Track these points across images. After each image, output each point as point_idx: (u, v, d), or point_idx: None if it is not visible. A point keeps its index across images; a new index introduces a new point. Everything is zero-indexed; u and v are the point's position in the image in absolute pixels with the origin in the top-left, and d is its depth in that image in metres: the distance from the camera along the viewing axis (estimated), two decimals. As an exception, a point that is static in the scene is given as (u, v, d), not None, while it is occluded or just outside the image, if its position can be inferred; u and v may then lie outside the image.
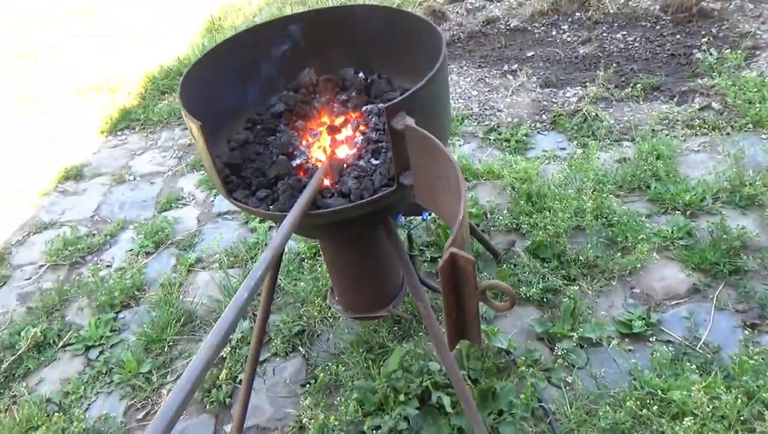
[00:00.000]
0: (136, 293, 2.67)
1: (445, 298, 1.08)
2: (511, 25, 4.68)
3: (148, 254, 2.91)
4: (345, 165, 1.65)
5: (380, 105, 1.77)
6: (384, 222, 1.69)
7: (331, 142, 1.74)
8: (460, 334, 1.15)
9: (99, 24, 5.81)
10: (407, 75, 1.92)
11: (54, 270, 2.94)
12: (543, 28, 4.57)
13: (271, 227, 2.89)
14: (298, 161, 1.69)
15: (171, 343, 2.39)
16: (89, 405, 2.22)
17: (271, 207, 1.57)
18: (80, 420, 2.08)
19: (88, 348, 2.46)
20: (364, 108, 1.79)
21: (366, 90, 1.88)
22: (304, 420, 1.94)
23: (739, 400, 1.74)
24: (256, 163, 1.69)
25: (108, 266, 2.90)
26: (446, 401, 1.84)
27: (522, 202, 2.66)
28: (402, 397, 1.89)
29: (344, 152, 1.71)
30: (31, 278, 2.91)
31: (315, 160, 1.70)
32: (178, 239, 2.98)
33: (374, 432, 1.84)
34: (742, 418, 1.71)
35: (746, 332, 2.07)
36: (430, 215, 2.26)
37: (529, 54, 4.25)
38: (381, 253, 1.92)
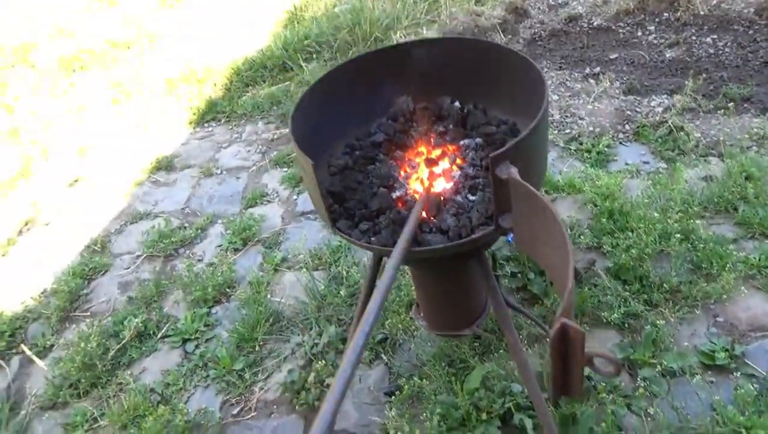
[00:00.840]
0: (227, 290, 2.83)
1: (553, 363, 1.15)
2: (595, 24, 4.59)
3: (236, 250, 3.08)
4: (443, 200, 1.72)
5: (477, 140, 1.83)
6: (478, 255, 1.76)
7: (428, 174, 1.81)
8: (564, 391, 1.22)
9: (186, 16, 6.00)
10: (502, 105, 1.96)
11: (150, 261, 3.14)
12: (628, 28, 4.48)
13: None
14: (397, 193, 1.77)
15: (261, 342, 2.54)
16: (189, 397, 2.40)
17: (373, 239, 1.66)
18: (183, 413, 2.25)
19: (185, 341, 2.64)
20: (461, 142, 1.85)
21: (462, 121, 1.93)
22: (390, 430, 2.05)
23: (826, 446, 1.75)
24: (357, 194, 1.78)
25: (200, 260, 3.08)
26: (528, 423, 1.92)
27: (604, 220, 2.68)
28: (484, 416, 1.97)
29: (442, 186, 1.77)
30: (129, 267, 3.12)
31: (413, 192, 1.78)
32: (264, 237, 3.12)
33: (457, 448, 1.93)
34: (828, 465, 1.72)
35: (835, 371, 2.06)
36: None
37: (613, 56, 4.18)
38: (469, 278, 1.99)
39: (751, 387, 2.00)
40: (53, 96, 4.90)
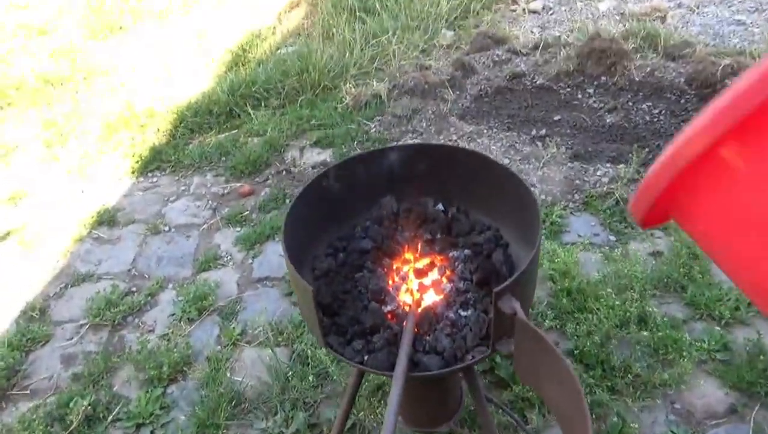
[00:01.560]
0: (183, 368, 2.71)
1: None
2: (537, 83, 4.76)
3: (190, 321, 2.96)
4: (435, 315, 1.72)
5: (466, 252, 1.85)
6: (468, 371, 1.77)
7: (418, 286, 1.81)
8: None
9: (121, 50, 5.76)
10: (482, 207, 2.00)
11: (96, 331, 2.97)
12: (568, 89, 4.67)
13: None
14: (389, 307, 1.75)
15: (223, 429, 2.44)
16: (146, 493, 2.28)
17: (367, 358, 1.64)
18: None
19: (138, 426, 2.50)
20: (450, 253, 1.86)
21: (447, 227, 1.95)
22: None
23: None
24: (347, 307, 1.75)
25: (151, 330, 2.94)
26: None
27: (564, 300, 2.76)
28: None
29: (432, 299, 1.78)
30: (72, 338, 2.94)
31: (404, 304, 1.77)
32: (220, 306, 3.02)
33: None
34: None
35: (782, 459, 2.20)
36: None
37: (556, 117, 4.34)
38: (448, 383, 2.00)
39: (712, 480, 2.10)
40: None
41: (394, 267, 1.87)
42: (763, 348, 2.50)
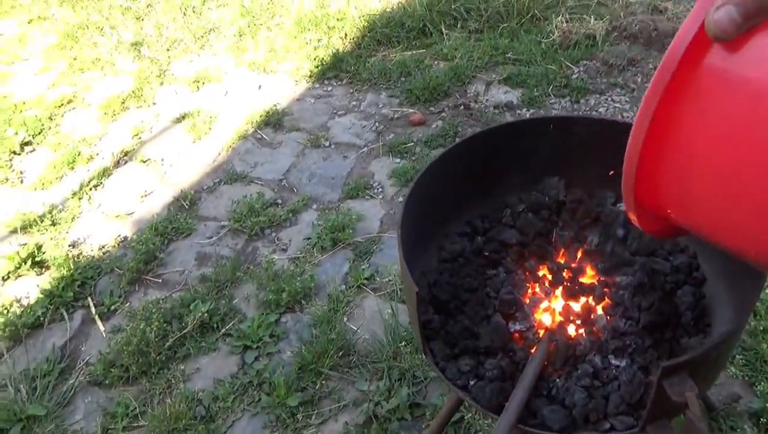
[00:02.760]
0: (302, 300, 2.56)
1: None
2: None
3: (323, 249, 2.78)
4: (574, 353, 1.31)
5: (641, 279, 1.38)
6: None
7: (563, 309, 1.39)
8: None
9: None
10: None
11: (234, 236, 2.91)
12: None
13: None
14: (518, 326, 1.37)
15: (324, 377, 2.27)
16: (233, 422, 2.19)
17: (471, 384, 1.30)
18: (218, 449, 2.04)
19: (246, 348, 2.41)
20: (618, 276, 1.40)
21: (624, 237, 1.48)
22: None
23: None
24: (465, 312, 1.40)
25: (284, 249, 2.82)
26: None
27: (765, 345, 2.15)
28: None
29: (577, 330, 1.36)
30: (212, 237, 2.92)
31: (539, 327, 1.37)
32: (357, 241, 2.81)
33: None
34: None
35: None
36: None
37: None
38: None
39: None
40: (183, 14, 4.70)
41: (540, 275, 1.46)
42: None
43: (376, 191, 3.08)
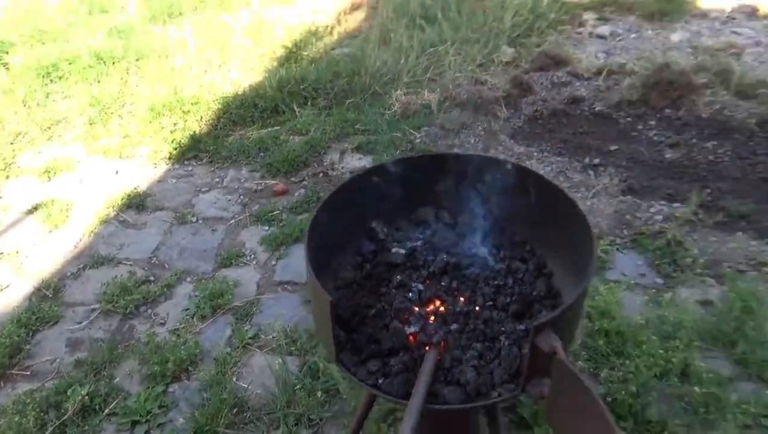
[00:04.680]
0: (188, 366, 2.59)
1: None
2: (596, 109, 4.53)
3: (203, 318, 2.84)
4: (461, 344, 1.54)
5: (509, 279, 1.67)
6: (491, 410, 1.58)
7: (447, 310, 1.63)
8: None
9: (180, 36, 5.75)
10: (528, 231, 1.83)
11: (107, 317, 2.87)
12: (629, 119, 4.42)
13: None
14: (413, 329, 1.58)
15: (221, 436, 2.30)
16: (131, 495, 2.15)
17: (381, 382, 1.47)
18: None
19: (134, 424, 2.38)
20: (488, 280, 1.68)
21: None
22: None
23: None
24: (367, 324, 1.59)
25: (162, 324, 2.83)
26: None
27: (600, 341, 2.53)
28: None
29: (461, 325, 1.60)
30: (82, 322, 2.85)
31: (429, 327, 1.59)
32: (236, 306, 2.90)
33: None
34: None
35: None
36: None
37: (612, 148, 4.10)
38: (470, 424, 1.81)
39: None
40: (26, 105, 4.60)
41: (425, 286, 1.70)
42: (821, 425, 2.22)
43: (248, 258, 3.20)
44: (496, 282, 1.70)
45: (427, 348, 1.53)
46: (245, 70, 4.99)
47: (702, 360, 2.51)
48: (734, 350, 2.57)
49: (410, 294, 1.69)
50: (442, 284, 1.72)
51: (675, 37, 5.54)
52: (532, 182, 1.75)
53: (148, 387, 2.50)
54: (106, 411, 2.43)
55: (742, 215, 3.41)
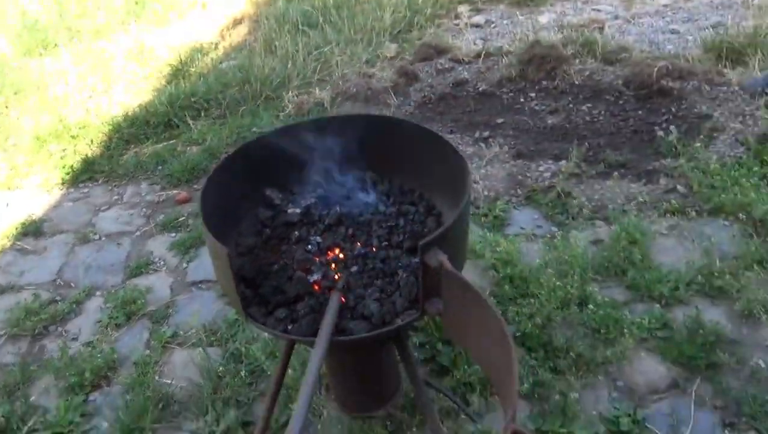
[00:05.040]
0: (107, 373, 2.55)
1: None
2: (480, 89, 4.78)
3: (118, 326, 2.79)
4: (362, 282, 1.63)
5: (400, 221, 1.79)
6: (398, 339, 1.68)
7: (347, 255, 1.72)
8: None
9: (59, 67, 5.59)
10: (416, 179, 1.95)
11: (14, 342, 2.77)
12: (511, 94, 4.70)
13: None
14: (315, 276, 1.66)
15: (149, 432, 2.28)
16: (62, 504, 2.09)
17: (290, 328, 1.54)
18: None
19: (56, 436, 2.32)
20: (381, 223, 1.79)
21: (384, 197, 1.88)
22: None
23: None
24: (272, 279, 1.65)
25: (74, 339, 2.76)
26: None
27: (506, 286, 2.70)
28: (401, 504, 1.86)
29: (361, 266, 1.69)
30: (-11, 350, 2.74)
31: (331, 274, 1.67)
32: (151, 311, 2.87)
33: None
34: None
35: (726, 431, 2.15)
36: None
37: (499, 121, 4.35)
38: (385, 360, 1.90)
39: (656, 453, 2.04)
40: None
41: (323, 238, 1.78)
42: (702, 324, 2.47)
43: (158, 264, 3.18)
44: (388, 224, 1.81)
45: (330, 291, 1.61)
46: (132, 92, 4.93)
47: (597, 290, 2.73)
48: (625, 277, 2.81)
49: (309, 247, 1.78)
50: (339, 233, 1.81)
51: (543, 19, 5.94)
52: (413, 130, 1.88)
53: (67, 399, 2.43)
54: (25, 429, 2.35)
55: (620, 163, 3.71)
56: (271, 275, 1.68)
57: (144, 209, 3.63)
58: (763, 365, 2.38)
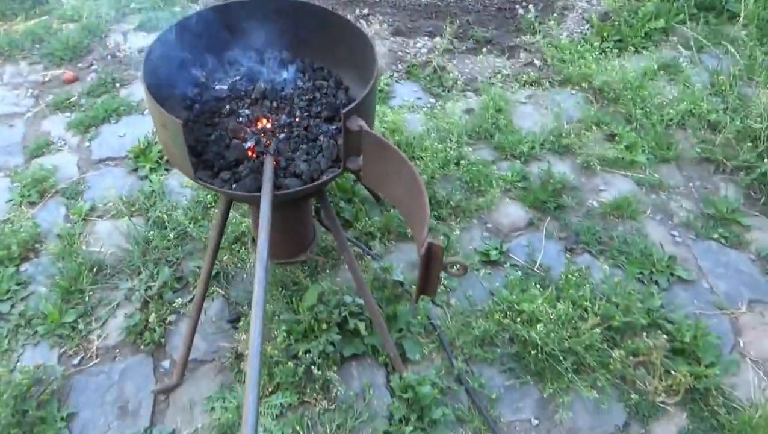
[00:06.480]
0: (34, 245, 2.71)
1: (420, 271, 1.52)
2: (357, -34, 4.93)
3: (32, 204, 2.91)
4: (291, 148, 1.96)
5: (316, 95, 2.09)
6: (320, 192, 2.04)
7: (274, 124, 2.02)
8: (423, 292, 1.60)
9: None
10: (325, 58, 2.24)
11: (-76, 224, 2.82)
12: (387, -29, 4.91)
13: (162, 175, 3.04)
14: (249, 144, 1.95)
15: (89, 292, 2.54)
16: (18, 357, 2.34)
17: (235, 186, 1.85)
18: (23, 371, 2.21)
19: (-4, 304, 2.51)
20: (301, 96, 2.09)
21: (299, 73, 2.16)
22: (243, 352, 2.29)
23: (569, 307, 2.42)
24: (211, 147, 1.92)
25: (-11, 217, 2.86)
26: (361, 326, 2.31)
27: (395, 151, 3.12)
28: (324, 326, 2.31)
29: (287, 134, 2.00)
30: None
31: (262, 139, 1.97)
32: (63, 187, 3.00)
33: (306, 355, 2.25)
34: (572, 320, 2.40)
35: (567, 255, 2.79)
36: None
37: (377, -1, 4.59)
38: (304, 212, 2.28)
39: (516, 274, 2.64)
40: None
41: (251, 110, 2.05)
42: (552, 176, 3.06)
43: (59, 144, 3.25)
44: (307, 97, 2.11)
45: (264, 155, 1.92)
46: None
47: (471, 152, 3.22)
48: (493, 140, 3.32)
49: (240, 118, 2.05)
50: (265, 106, 2.09)
51: None
52: (321, 15, 2.14)
53: (-1, 272, 2.60)
54: (-38, 301, 2.51)
55: (487, 39, 4.15)
56: (210, 144, 1.95)
57: (30, 90, 3.58)
58: (596, 204, 3.03)
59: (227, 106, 2.06)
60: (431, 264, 1.51)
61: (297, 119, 2.05)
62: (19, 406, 2.14)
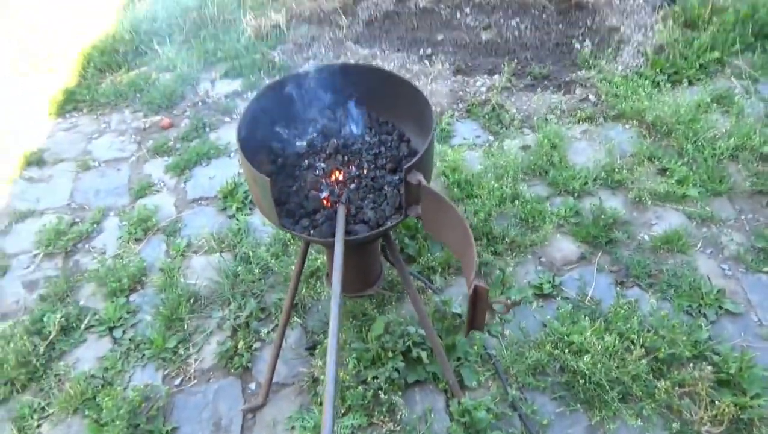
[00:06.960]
0: (141, 278, 3.14)
1: (468, 309, 1.79)
2: (420, 6, 5.26)
3: (137, 241, 3.36)
4: (359, 196, 2.27)
5: (381, 149, 2.40)
6: (386, 235, 2.34)
7: (345, 176, 2.34)
8: (472, 327, 1.87)
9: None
10: (388, 113, 2.54)
11: (50, 258, 3.30)
12: (448, 9, 5.20)
13: (247, 214, 3.42)
14: (324, 194, 2.28)
15: (187, 321, 2.93)
16: (129, 377, 2.75)
17: (313, 232, 2.18)
18: (134, 389, 2.61)
19: (111, 329, 2.93)
20: (367, 151, 2.40)
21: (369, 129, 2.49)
22: (319, 376, 2.62)
23: (615, 339, 2.62)
24: (293, 197, 2.26)
25: (103, 253, 3.31)
26: (423, 354, 2.59)
27: (455, 189, 3.39)
28: (390, 354, 2.60)
29: (357, 185, 2.31)
30: (29, 266, 3.27)
31: (337, 188, 2.29)
32: (163, 226, 3.43)
33: (374, 380, 2.55)
34: (618, 352, 2.59)
35: (617, 288, 2.98)
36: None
37: (439, 38, 4.88)
38: (373, 251, 2.58)
39: (567, 307, 2.85)
40: None
41: (325, 164, 2.38)
42: (604, 211, 3.25)
43: (159, 186, 3.70)
44: (373, 151, 2.42)
45: (336, 204, 2.23)
46: (90, 20, 5.14)
47: (526, 188, 3.45)
48: (547, 176, 3.54)
49: (316, 171, 2.38)
50: (337, 159, 2.41)
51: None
52: (385, 76, 2.44)
53: (112, 301, 3.03)
54: (83, 325, 2.95)
55: (544, 75, 4.37)
56: (292, 195, 2.28)
57: (133, 136, 4.07)
58: (647, 238, 3.20)
59: (306, 161, 2.40)
60: (478, 304, 1.78)
61: (365, 171, 2.36)
62: (132, 420, 2.53)
